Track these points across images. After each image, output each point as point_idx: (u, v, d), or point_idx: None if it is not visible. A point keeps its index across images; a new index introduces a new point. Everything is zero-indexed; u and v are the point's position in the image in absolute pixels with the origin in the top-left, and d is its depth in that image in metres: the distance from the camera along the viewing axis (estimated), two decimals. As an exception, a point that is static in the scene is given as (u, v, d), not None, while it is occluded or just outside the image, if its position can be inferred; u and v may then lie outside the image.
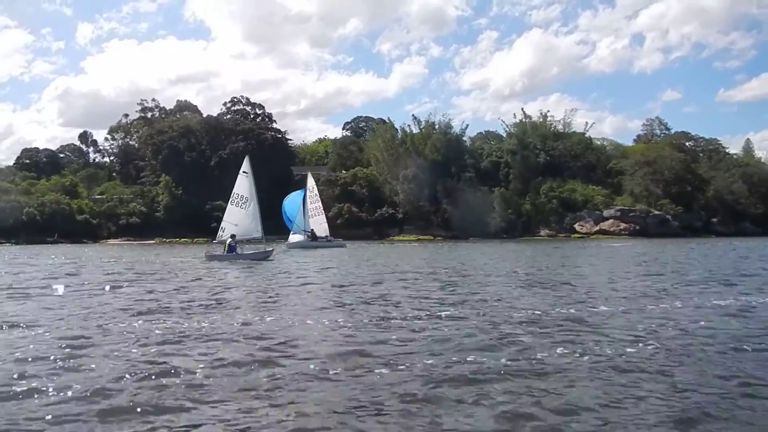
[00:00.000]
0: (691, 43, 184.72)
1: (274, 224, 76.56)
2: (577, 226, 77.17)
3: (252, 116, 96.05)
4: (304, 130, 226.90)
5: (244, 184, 36.10)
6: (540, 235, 76.67)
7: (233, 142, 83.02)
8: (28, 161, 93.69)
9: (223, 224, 35.13)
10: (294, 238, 39.74)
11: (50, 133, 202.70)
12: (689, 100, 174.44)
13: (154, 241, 71.46)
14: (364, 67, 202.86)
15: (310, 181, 39.16)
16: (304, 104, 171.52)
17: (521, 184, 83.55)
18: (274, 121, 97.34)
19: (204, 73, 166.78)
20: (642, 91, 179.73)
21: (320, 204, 49.33)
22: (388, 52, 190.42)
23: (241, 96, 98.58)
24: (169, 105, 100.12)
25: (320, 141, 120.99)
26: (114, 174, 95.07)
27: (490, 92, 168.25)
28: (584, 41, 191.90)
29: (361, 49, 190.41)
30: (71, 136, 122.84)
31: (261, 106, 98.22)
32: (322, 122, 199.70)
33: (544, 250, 44.48)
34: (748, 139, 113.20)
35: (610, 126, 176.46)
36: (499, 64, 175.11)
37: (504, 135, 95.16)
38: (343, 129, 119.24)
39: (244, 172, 36.44)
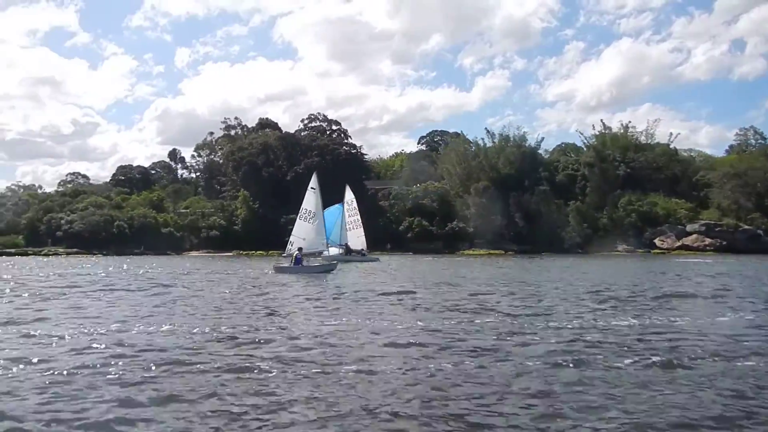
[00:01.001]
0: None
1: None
2: (657, 242, 73.62)
3: (328, 132, 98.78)
4: (386, 145, 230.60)
5: (311, 200, 37.71)
6: (617, 251, 73.71)
7: (308, 158, 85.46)
8: (123, 177, 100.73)
9: (291, 238, 36.73)
10: (331, 250, 40.51)
11: (150, 151, 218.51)
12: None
13: (231, 254, 74.58)
14: (447, 82, 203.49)
15: (349, 195, 39.88)
16: (386, 119, 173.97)
17: (598, 198, 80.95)
18: (350, 136, 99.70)
19: (291, 91, 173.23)
20: (742, 98, 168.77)
21: (358, 217, 49.89)
22: (470, 66, 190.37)
23: (318, 113, 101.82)
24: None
25: (397, 155, 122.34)
26: (199, 189, 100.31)
27: (575, 103, 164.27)
28: (678, 48, 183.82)
29: (444, 64, 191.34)
30: (166, 154, 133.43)
31: (337, 122, 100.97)
32: (404, 137, 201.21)
33: (623, 266, 42.89)
34: None
35: (707, 136, 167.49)
36: (585, 75, 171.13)
37: (583, 147, 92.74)
38: (418, 143, 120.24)
39: (312, 188, 38.11)
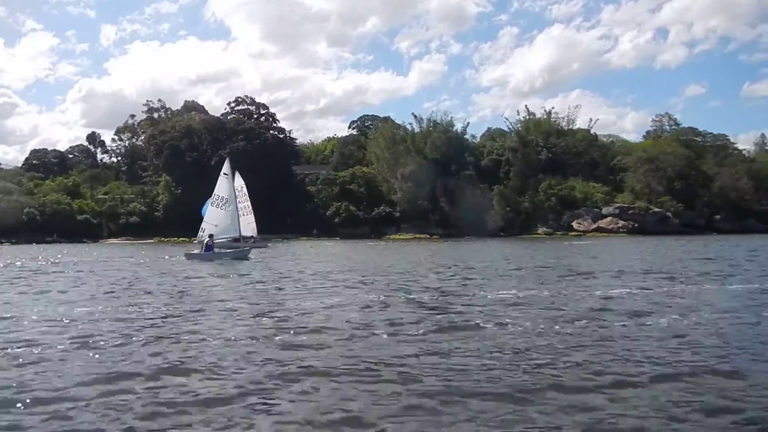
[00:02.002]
0: (716, 36, 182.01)
1: (272, 223, 78.02)
2: (574, 224, 76.46)
3: (256, 116, 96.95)
4: (323, 129, 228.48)
5: (224, 186, 36.98)
6: (537, 233, 76.05)
7: (234, 142, 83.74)
8: (36, 162, 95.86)
9: (203, 224, 36.07)
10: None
11: (74, 134, 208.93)
12: (714, 94, 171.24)
13: (152, 241, 72.55)
14: (384, 66, 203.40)
15: (239, 180, 39.36)
16: (323, 103, 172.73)
17: (521, 182, 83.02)
18: (278, 120, 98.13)
19: (224, 72, 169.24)
20: (665, 86, 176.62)
21: (249, 203, 48.62)
22: (407, 50, 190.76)
23: (246, 96, 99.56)
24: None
25: (329, 140, 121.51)
26: (121, 174, 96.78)
27: (509, 89, 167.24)
28: (606, 36, 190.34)
29: (381, 47, 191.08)
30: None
31: (265, 106, 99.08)
32: (341, 121, 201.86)
33: (531, 247, 44.14)
34: (762, 134, 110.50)
35: (632, 122, 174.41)
36: (519, 61, 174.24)
37: (510, 132, 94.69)
38: (349, 128, 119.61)
39: (224, 173, 37.34)
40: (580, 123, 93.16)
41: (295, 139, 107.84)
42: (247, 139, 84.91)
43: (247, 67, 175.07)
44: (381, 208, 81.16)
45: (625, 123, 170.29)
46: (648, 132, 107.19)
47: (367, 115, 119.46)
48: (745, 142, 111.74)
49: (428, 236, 76.23)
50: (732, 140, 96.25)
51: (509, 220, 78.63)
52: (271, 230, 77.20)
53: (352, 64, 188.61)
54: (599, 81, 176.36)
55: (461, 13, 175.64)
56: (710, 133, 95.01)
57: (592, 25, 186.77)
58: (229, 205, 36.70)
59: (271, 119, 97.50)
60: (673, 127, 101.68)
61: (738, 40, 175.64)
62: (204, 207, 46.64)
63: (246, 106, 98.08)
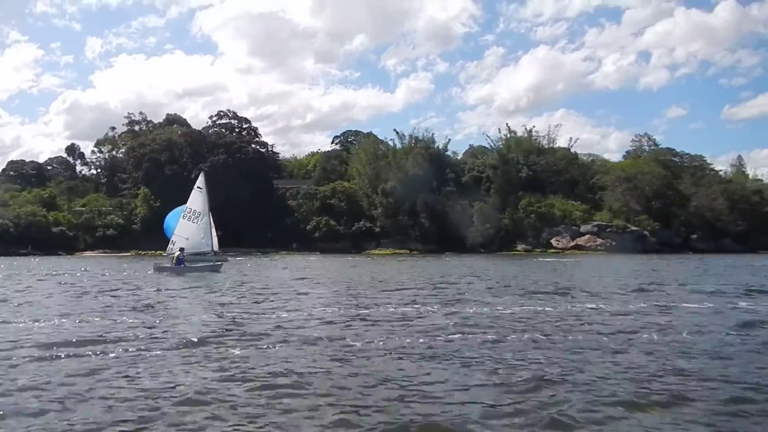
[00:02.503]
0: (697, 60, 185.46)
1: (252, 237, 77.65)
2: (553, 241, 76.86)
3: (237, 130, 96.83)
4: (309, 144, 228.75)
5: (197, 200, 36.97)
6: (517, 250, 76.32)
7: (215, 156, 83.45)
8: (13, 173, 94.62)
9: (173, 237, 35.91)
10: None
11: (57, 145, 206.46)
12: (695, 116, 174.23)
13: (129, 254, 71.74)
14: (371, 82, 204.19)
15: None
16: (309, 118, 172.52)
17: (501, 199, 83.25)
18: (260, 135, 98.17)
19: (210, 87, 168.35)
20: (647, 107, 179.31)
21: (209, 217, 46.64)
22: (393, 67, 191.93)
23: (228, 110, 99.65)
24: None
25: (313, 155, 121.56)
26: (100, 187, 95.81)
27: (495, 107, 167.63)
28: (590, 58, 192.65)
29: (368, 65, 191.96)
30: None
31: (247, 120, 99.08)
32: (327, 136, 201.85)
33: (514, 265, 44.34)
34: (739, 156, 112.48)
35: (615, 142, 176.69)
36: (504, 80, 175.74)
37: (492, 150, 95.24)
38: (332, 143, 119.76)
39: (198, 187, 37.35)
40: (562, 142, 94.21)
41: (278, 153, 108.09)
42: (228, 152, 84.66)
43: (234, 81, 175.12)
44: (361, 223, 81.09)
45: (608, 143, 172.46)
46: (628, 152, 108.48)
47: (351, 131, 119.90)
48: (724, 164, 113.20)
49: (408, 252, 76.16)
50: (710, 161, 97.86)
51: (489, 237, 78.74)
52: (250, 244, 76.97)
53: (339, 81, 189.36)
54: (583, 101, 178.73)
55: (448, 33, 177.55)
56: (687, 154, 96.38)
57: (576, 47, 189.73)
58: (201, 219, 36.54)
59: (253, 133, 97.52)
60: (652, 147, 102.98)
61: (718, 65, 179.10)
62: (167, 222, 46.09)
63: (228, 120, 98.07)
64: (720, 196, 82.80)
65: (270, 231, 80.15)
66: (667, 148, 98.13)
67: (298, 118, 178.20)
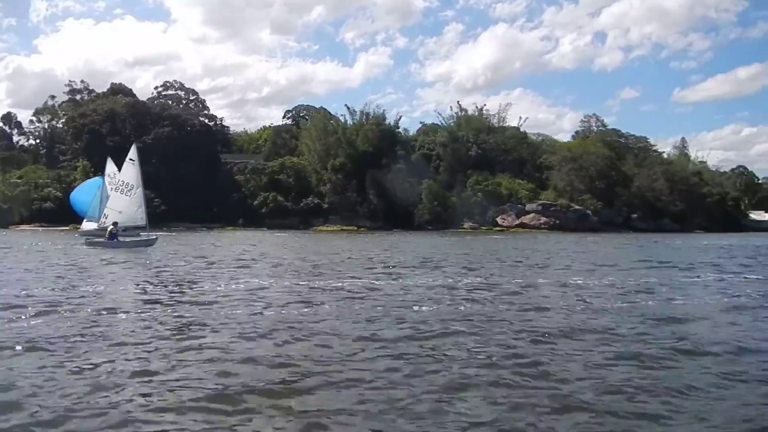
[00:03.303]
0: (651, 42, 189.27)
1: (198, 212, 76.22)
2: (499, 220, 77.88)
3: (185, 102, 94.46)
4: (266, 119, 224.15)
5: (130, 172, 35.82)
6: (464, 228, 77.09)
7: (159, 128, 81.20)
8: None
9: (106, 211, 34.88)
10: (87, 225, 38.17)
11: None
12: (646, 98, 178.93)
13: (68, 228, 69.45)
14: (329, 56, 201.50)
15: (110, 167, 38.00)
16: (266, 92, 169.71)
17: (450, 177, 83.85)
18: (208, 107, 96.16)
19: (163, 56, 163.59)
20: (602, 88, 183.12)
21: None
22: (352, 41, 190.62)
23: (174, 80, 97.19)
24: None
25: (265, 129, 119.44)
26: (40, 158, 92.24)
27: (453, 84, 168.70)
28: (548, 37, 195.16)
29: (326, 37, 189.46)
30: (22, 117, 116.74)
31: (195, 92, 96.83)
32: (284, 111, 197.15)
33: (459, 240, 44.71)
34: (683, 138, 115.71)
35: (570, 122, 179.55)
36: (463, 57, 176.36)
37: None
38: (284, 117, 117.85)
39: (130, 159, 36.14)
40: (512, 121, 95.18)
41: (228, 127, 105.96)
42: (173, 125, 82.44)
43: (188, 51, 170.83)
44: (310, 199, 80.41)
45: (563, 122, 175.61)
46: (577, 132, 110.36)
47: (303, 105, 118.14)
48: (672, 146, 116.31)
49: (356, 228, 76.04)
50: (653, 143, 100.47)
51: (437, 214, 79.26)
52: (196, 219, 75.65)
53: (297, 53, 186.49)
54: (540, 81, 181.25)
55: (408, 8, 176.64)
56: (632, 135, 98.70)
57: (535, 25, 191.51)
58: (134, 192, 35.56)
59: (201, 105, 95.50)
60: (600, 128, 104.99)
61: (670, 48, 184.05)
62: (74, 197, 44.24)
63: (175, 91, 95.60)
64: (661, 177, 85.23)
65: (216, 206, 78.77)
66: (613, 129, 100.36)
67: (254, 91, 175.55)
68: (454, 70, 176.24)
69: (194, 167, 79.08)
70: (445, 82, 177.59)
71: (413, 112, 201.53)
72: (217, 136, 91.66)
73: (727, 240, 52.95)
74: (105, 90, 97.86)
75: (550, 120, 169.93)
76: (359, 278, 16.75)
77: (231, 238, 50.07)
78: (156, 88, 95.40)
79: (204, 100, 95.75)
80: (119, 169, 36.77)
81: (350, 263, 23.22)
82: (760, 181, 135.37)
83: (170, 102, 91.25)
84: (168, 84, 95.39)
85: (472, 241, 45.89)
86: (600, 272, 19.67)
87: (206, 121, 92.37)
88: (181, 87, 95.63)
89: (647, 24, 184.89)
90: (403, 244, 41.00)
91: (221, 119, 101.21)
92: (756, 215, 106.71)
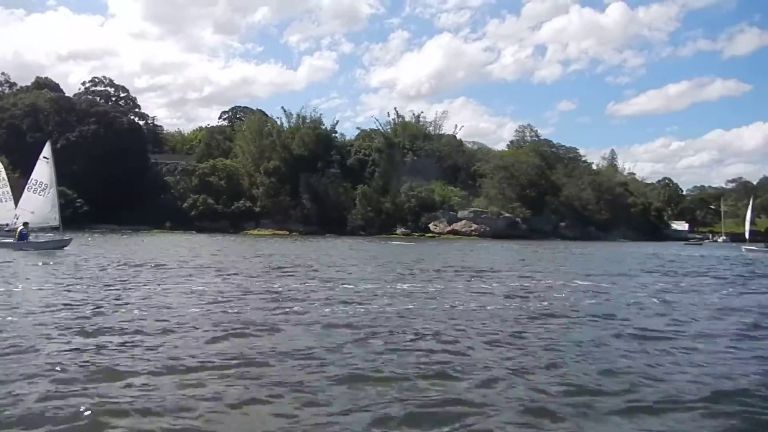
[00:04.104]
0: (588, 57, 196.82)
1: (123, 214, 73.68)
2: (431, 226, 78.65)
3: (114, 99, 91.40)
4: (207, 119, 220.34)
5: (43, 171, 34.36)
6: (396, 234, 77.46)
7: (84, 125, 78.17)
8: None
9: (17, 211, 33.39)
10: None
11: None
12: (583, 110, 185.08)
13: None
14: (273, 58, 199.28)
15: None
16: (207, 92, 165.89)
17: (384, 183, 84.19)
18: (138, 105, 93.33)
19: (99, 50, 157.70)
20: (541, 99, 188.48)
21: (8, 189, 43.08)
22: (297, 44, 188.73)
23: (104, 76, 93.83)
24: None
25: (200, 129, 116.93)
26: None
27: (397, 91, 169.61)
28: (490, 48, 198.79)
29: (270, 39, 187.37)
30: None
31: (125, 89, 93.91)
32: (221, 111, 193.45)
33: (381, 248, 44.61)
34: (612, 150, 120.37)
35: (510, 131, 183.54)
36: (407, 65, 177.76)
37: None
38: (219, 118, 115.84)
39: (44, 157, 34.68)
40: (452, 129, 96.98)
41: (160, 126, 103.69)
42: (100, 123, 79.51)
43: (126, 46, 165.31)
44: (241, 202, 79.16)
45: (504, 132, 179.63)
46: (511, 142, 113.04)
47: (240, 106, 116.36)
48: (601, 157, 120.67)
49: (288, 233, 75.28)
50: (583, 154, 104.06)
51: (370, 220, 79.45)
52: (121, 221, 73.06)
53: (240, 54, 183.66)
54: (482, 90, 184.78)
55: (354, 13, 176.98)
56: (563, 146, 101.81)
57: (478, 36, 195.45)
58: (47, 191, 34.10)
59: (131, 103, 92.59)
60: (534, 138, 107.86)
61: (606, 63, 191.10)
62: None
63: (104, 88, 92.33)
64: (588, 187, 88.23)
65: (144, 208, 76.37)
66: (545, 140, 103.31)
67: (195, 91, 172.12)
68: (399, 77, 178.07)
69: (121, 167, 76.35)
70: (389, 88, 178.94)
71: (357, 118, 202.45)
72: (147, 135, 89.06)
73: (630, 248, 55.06)
74: (29, 84, 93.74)
75: (492, 129, 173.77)
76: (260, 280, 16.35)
77: (151, 240, 48.50)
78: (84, 83, 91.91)
79: (135, 98, 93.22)
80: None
81: (267, 266, 22.74)
82: (683, 193, 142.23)
83: (98, 99, 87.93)
84: (97, 80, 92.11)
85: (382, 248, 45.93)
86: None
87: (137, 119, 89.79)
88: (111, 83, 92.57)
89: (585, 39, 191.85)
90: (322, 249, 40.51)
91: (153, 118, 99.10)
92: (677, 225, 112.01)
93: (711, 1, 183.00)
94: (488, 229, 77.48)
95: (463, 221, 78.33)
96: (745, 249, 52.06)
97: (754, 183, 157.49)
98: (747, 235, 59.23)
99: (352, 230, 77.16)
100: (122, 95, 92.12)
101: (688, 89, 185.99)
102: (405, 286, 16.18)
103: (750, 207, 68.46)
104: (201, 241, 48.53)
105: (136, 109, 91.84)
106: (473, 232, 76.91)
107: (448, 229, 77.80)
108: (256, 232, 75.50)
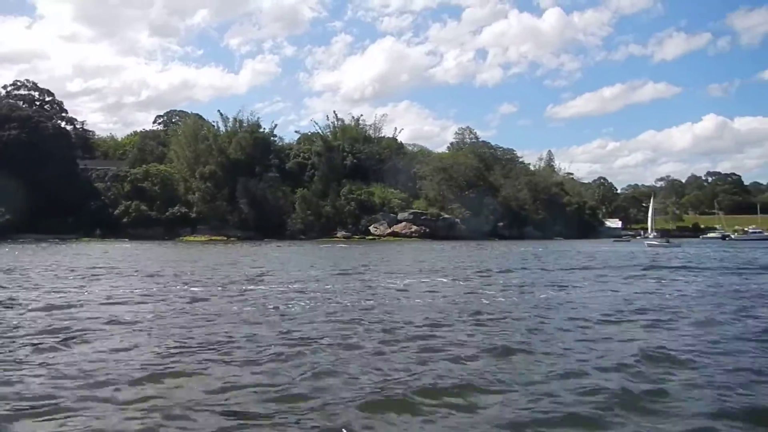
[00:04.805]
0: (527, 61, 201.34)
1: (51, 222, 70.41)
2: (372, 228, 78.58)
3: (38, 103, 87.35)
4: (145, 124, 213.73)
5: None
6: (337, 237, 76.97)
7: (5, 130, 74.26)
8: None
9: None
10: None
11: None
12: (523, 113, 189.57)
13: None
14: (214, 61, 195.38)
15: None
16: (145, 95, 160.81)
17: (324, 186, 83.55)
18: (65, 110, 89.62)
19: (27, 53, 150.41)
20: (483, 102, 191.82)
21: None
22: (238, 47, 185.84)
23: (26, 80, 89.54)
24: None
25: (135, 134, 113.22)
26: None
27: (341, 95, 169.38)
28: (433, 52, 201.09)
29: (210, 42, 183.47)
30: None
31: (50, 93, 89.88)
32: (155, 115, 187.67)
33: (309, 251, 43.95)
34: (549, 151, 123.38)
35: (452, 134, 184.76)
36: (351, 68, 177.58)
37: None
38: (154, 122, 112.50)
39: None
40: (400, 132, 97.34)
41: (90, 131, 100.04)
42: (23, 128, 75.71)
43: (57, 49, 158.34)
44: (176, 208, 76.94)
45: (447, 135, 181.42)
46: (452, 144, 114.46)
47: (176, 110, 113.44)
48: (537, 158, 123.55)
49: (225, 238, 73.61)
50: (520, 155, 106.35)
51: (310, 224, 78.66)
52: (48, 230, 69.69)
53: (179, 57, 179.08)
54: (426, 94, 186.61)
55: (295, 16, 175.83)
56: (501, 148, 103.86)
57: (421, 40, 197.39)
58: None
59: (57, 108, 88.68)
60: (473, 140, 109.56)
61: (544, 67, 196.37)
62: None
63: (27, 92, 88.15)
64: (524, 187, 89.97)
65: (72, 216, 73.22)
66: (484, 142, 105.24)
67: (132, 95, 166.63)
68: (342, 81, 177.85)
69: (47, 173, 72.92)
70: (333, 92, 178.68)
71: (301, 121, 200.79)
72: (75, 140, 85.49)
73: (559, 246, 56.56)
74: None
75: (435, 132, 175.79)
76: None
77: (74, 250, 46.29)
78: (5, 87, 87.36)
79: (61, 102, 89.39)
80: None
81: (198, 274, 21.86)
82: (618, 192, 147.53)
83: (21, 103, 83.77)
84: (19, 83, 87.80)
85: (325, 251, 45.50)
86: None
87: (64, 124, 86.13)
88: (35, 87, 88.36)
89: (524, 43, 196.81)
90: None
91: (83, 123, 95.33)
92: (611, 223, 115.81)
93: (641, 7, 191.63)
94: (428, 230, 77.96)
95: (403, 223, 78.54)
96: (648, 244, 56.46)
97: (683, 181, 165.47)
98: (650, 231, 63.84)
99: (292, 234, 76.20)
100: (47, 99, 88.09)
101: (622, 92, 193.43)
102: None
103: (651, 206, 72.79)
104: (126, 251, 46.72)
105: (63, 114, 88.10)
106: (413, 234, 77.19)
107: (389, 231, 77.87)
108: (192, 238, 73.46)
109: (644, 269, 24.25)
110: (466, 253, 41.17)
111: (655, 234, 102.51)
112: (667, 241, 58.87)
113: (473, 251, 43.75)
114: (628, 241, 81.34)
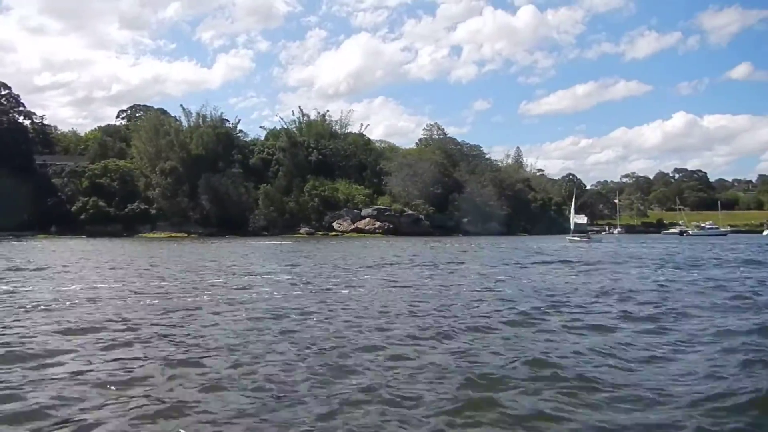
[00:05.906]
0: (501, 58, 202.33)
1: (6, 219, 68.67)
2: (335, 225, 78.26)
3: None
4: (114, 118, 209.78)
5: None
6: (300, 233, 76.42)
7: (-43, 125, 72.37)
8: None
9: None
10: None
11: None
12: (497, 110, 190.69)
13: None
14: (187, 55, 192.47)
15: None
16: (116, 90, 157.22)
17: (288, 182, 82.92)
18: (23, 103, 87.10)
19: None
20: (457, 99, 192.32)
21: None
22: (211, 41, 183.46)
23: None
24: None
25: (99, 129, 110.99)
26: None
27: (315, 90, 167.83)
28: (408, 48, 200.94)
29: (183, 36, 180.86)
30: None
31: (7, 86, 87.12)
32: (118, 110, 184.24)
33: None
34: (518, 147, 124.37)
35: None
36: (326, 63, 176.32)
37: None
38: (117, 117, 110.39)
39: None
40: (373, 129, 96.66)
41: (49, 125, 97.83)
42: (-25, 122, 73.89)
43: (23, 42, 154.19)
44: (136, 204, 75.54)
45: (422, 131, 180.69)
46: (420, 140, 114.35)
47: (140, 105, 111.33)
48: (504, 155, 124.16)
49: (186, 235, 72.60)
50: (486, 152, 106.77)
51: (273, 220, 77.98)
52: (2, 227, 67.89)
53: (151, 51, 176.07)
54: (400, 90, 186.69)
55: (269, 10, 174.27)
56: (467, 144, 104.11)
57: (396, 36, 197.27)
58: None
59: (14, 101, 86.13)
60: (441, 135, 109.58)
61: (518, 64, 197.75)
62: None
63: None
64: (489, 183, 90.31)
65: (27, 212, 71.44)
66: (451, 138, 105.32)
67: (102, 89, 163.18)
68: (317, 76, 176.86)
69: (1, 169, 71.17)
70: (307, 87, 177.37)
71: (275, 117, 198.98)
72: (31, 135, 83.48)
73: (511, 242, 56.92)
74: None
75: (410, 128, 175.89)
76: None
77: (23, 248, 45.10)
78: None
79: (18, 96, 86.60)
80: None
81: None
82: (587, 188, 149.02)
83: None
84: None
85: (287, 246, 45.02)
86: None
87: (21, 118, 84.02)
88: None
89: (498, 41, 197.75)
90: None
91: (42, 117, 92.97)
92: (577, 219, 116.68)
93: (613, 6, 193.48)
94: (392, 226, 77.85)
95: (367, 219, 78.34)
96: (569, 240, 60.02)
97: (651, 177, 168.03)
98: (572, 227, 68.37)
99: (255, 231, 75.49)
100: (3, 93, 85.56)
101: (594, 90, 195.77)
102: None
103: (573, 202, 74.64)
104: (80, 247, 45.71)
105: (20, 108, 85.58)
106: (377, 230, 77.04)
107: (352, 227, 77.61)
108: (151, 235, 72.24)
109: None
110: (419, 248, 40.97)
111: (620, 230, 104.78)
112: (589, 238, 64.31)
113: (428, 246, 43.59)
114: (588, 240, 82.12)
